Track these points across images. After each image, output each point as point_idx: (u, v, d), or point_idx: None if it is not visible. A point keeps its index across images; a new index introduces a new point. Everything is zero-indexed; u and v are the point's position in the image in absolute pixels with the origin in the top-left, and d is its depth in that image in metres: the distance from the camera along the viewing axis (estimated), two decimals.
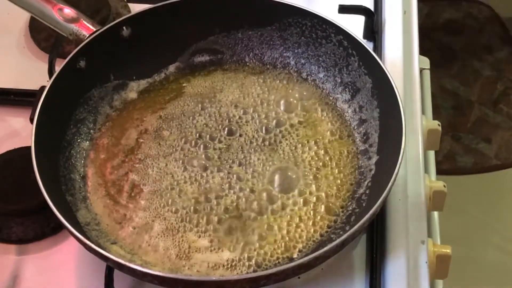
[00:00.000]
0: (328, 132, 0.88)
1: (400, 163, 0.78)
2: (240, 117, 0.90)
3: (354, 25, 0.98)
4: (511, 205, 1.60)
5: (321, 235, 0.80)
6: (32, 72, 1.01)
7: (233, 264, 0.78)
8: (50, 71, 0.91)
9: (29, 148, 0.80)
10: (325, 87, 0.93)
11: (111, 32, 0.91)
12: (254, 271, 0.77)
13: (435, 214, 1.02)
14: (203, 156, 0.87)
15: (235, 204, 0.83)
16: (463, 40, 2.05)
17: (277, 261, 0.78)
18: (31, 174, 0.78)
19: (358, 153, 0.86)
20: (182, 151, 0.87)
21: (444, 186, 0.92)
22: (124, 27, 0.92)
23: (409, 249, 0.82)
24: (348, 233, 0.74)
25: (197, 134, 0.89)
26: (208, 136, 0.88)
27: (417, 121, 0.94)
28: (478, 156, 1.58)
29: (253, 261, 0.78)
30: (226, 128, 0.89)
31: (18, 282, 0.83)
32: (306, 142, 0.87)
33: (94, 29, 0.91)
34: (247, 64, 0.96)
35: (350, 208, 0.82)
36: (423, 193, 0.88)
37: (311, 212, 0.82)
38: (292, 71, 0.94)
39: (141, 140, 0.89)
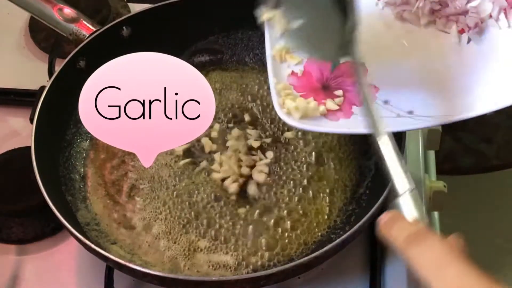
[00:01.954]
0: (328, 133, 0.88)
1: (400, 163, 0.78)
2: (240, 117, 0.90)
3: None
4: (511, 205, 1.60)
5: (321, 235, 0.80)
6: (32, 72, 1.01)
7: (233, 264, 0.78)
8: (50, 71, 0.91)
9: (29, 148, 0.80)
10: None
11: (111, 32, 0.91)
12: (254, 271, 0.77)
13: (435, 214, 1.02)
14: (204, 155, 0.87)
15: (235, 203, 0.83)
16: None
17: (277, 261, 0.78)
18: (31, 174, 0.78)
19: (358, 153, 0.86)
20: (183, 151, 0.87)
21: (444, 186, 0.92)
22: (124, 27, 0.92)
23: None
24: (348, 233, 0.74)
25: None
26: (208, 135, 0.88)
27: None
28: (479, 156, 1.58)
29: (253, 261, 0.78)
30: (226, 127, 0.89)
31: (18, 282, 0.83)
32: (305, 142, 0.87)
33: (94, 29, 0.91)
34: (247, 64, 0.96)
35: (350, 208, 0.82)
36: (423, 193, 0.88)
37: (311, 212, 0.82)
38: None
39: None
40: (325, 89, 0.76)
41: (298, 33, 0.72)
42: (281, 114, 0.73)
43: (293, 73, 0.77)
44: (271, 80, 0.75)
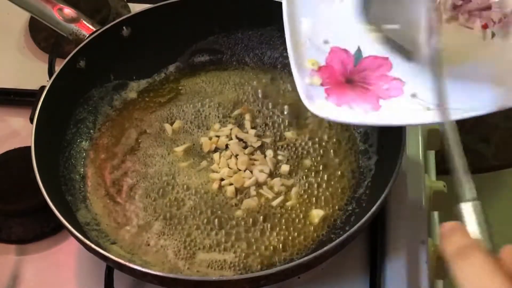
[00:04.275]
0: (328, 132, 0.88)
1: (400, 163, 0.78)
2: (240, 117, 0.90)
3: None
4: (510, 205, 1.60)
5: (321, 235, 0.80)
6: (32, 72, 1.01)
7: (233, 264, 0.78)
8: (50, 71, 0.91)
9: (29, 148, 0.80)
10: None
11: (111, 32, 0.91)
12: (254, 271, 0.77)
13: (435, 214, 1.02)
14: (204, 155, 0.87)
15: (235, 203, 0.83)
16: None
17: (277, 261, 0.78)
18: (31, 174, 0.78)
19: (358, 153, 0.86)
20: (183, 151, 0.87)
21: (444, 186, 0.92)
22: (124, 27, 0.92)
23: (409, 249, 0.82)
24: (348, 233, 0.74)
25: (198, 134, 0.89)
26: (207, 135, 0.88)
27: None
28: (477, 157, 1.58)
29: (253, 261, 0.78)
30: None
31: (18, 282, 0.83)
32: (306, 142, 0.87)
33: (94, 29, 0.91)
34: (247, 64, 0.96)
35: (350, 208, 0.82)
36: (423, 193, 0.88)
37: (312, 212, 0.82)
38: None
39: (141, 140, 0.89)
40: (349, 82, 0.76)
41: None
42: (310, 106, 0.73)
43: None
44: (296, 76, 0.75)
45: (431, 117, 0.71)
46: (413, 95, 0.73)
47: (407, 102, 0.72)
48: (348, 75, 0.76)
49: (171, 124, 0.90)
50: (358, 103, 0.73)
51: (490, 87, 0.72)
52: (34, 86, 0.90)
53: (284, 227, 0.81)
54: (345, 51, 0.77)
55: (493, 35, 0.77)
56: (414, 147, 0.91)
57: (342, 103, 0.73)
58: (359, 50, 0.77)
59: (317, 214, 0.81)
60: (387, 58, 0.76)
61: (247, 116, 0.90)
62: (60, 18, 0.91)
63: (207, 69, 0.96)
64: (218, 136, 0.88)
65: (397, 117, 0.72)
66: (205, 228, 0.81)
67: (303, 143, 0.87)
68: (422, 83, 0.72)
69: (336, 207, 0.82)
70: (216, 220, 0.81)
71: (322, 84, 0.75)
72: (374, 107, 0.72)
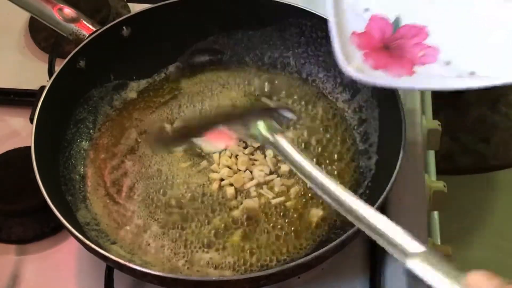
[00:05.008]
0: (328, 132, 0.88)
1: (400, 163, 0.78)
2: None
3: None
4: (510, 205, 1.60)
5: (321, 235, 0.80)
6: (32, 72, 1.01)
7: (233, 264, 0.78)
8: (50, 71, 0.91)
9: (29, 148, 0.80)
10: (325, 87, 0.93)
11: (111, 32, 0.91)
12: (254, 271, 0.77)
13: (435, 214, 1.02)
14: (204, 155, 0.87)
15: (235, 203, 0.83)
16: None
17: (277, 261, 0.78)
18: (31, 174, 0.78)
19: (358, 153, 0.86)
20: (183, 151, 0.87)
21: (444, 186, 0.92)
22: (124, 27, 0.92)
23: None
24: (348, 233, 0.74)
25: (198, 134, 0.89)
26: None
27: (417, 121, 0.94)
28: (477, 156, 1.58)
29: (253, 261, 0.78)
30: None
31: (18, 282, 0.83)
32: (305, 142, 0.87)
33: (94, 29, 0.91)
34: (247, 64, 0.96)
35: None
36: (423, 193, 0.88)
37: (311, 212, 0.82)
38: (292, 71, 0.94)
39: (141, 140, 0.89)
40: (386, 48, 0.78)
41: None
42: (347, 68, 0.74)
43: (354, 33, 0.79)
44: (336, 40, 0.77)
45: (462, 83, 0.72)
46: (447, 63, 0.75)
47: (441, 68, 0.74)
48: (386, 42, 0.79)
49: (171, 124, 0.90)
50: (393, 67, 0.75)
51: None
52: (34, 86, 0.89)
53: (284, 227, 0.81)
54: (384, 19, 0.80)
55: None
56: (414, 147, 0.91)
57: (378, 67, 0.75)
58: (398, 19, 0.79)
59: (316, 213, 0.81)
60: (424, 27, 0.77)
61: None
62: (60, 18, 0.91)
63: (207, 69, 0.96)
64: None
65: (429, 82, 0.75)
66: (205, 228, 0.81)
67: (303, 143, 0.87)
68: (458, 51, 0.73)
69: None
70: (216, 220, 0.81)
71: (360, 49, 0.76)
72: (408, 72, 0.74)
